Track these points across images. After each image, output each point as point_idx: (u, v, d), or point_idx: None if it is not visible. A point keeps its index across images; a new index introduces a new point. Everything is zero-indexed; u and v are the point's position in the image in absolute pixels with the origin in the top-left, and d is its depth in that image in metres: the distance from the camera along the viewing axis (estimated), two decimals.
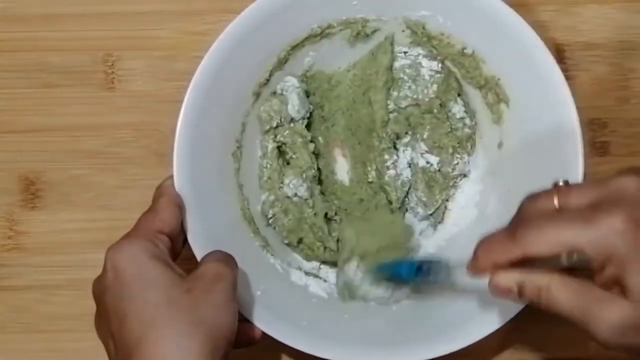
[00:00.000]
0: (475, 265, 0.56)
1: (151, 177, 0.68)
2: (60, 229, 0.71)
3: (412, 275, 0.63)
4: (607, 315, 0.52)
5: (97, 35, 0.71)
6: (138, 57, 0.71)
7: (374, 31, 0.68)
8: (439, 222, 0.71)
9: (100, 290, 0.59)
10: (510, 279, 0.55)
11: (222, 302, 0.58)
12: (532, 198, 0.55)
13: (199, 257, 0.63)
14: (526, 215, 0.55)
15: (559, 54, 0.70)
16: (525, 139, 0.67)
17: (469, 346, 0.64)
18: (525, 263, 0.54)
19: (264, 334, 0.64)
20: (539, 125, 0.66)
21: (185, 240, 0.64)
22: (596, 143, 0.71)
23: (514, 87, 0.67)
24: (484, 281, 0.65)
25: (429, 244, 0.70)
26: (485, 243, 0.55)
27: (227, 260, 0.61)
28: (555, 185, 0.55)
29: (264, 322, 0.64)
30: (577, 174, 0.64)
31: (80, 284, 0.69)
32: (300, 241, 0.68)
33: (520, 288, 0.55)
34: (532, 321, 0.70)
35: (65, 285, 0.71)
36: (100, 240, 0.68)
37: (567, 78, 0.65)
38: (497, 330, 0.64)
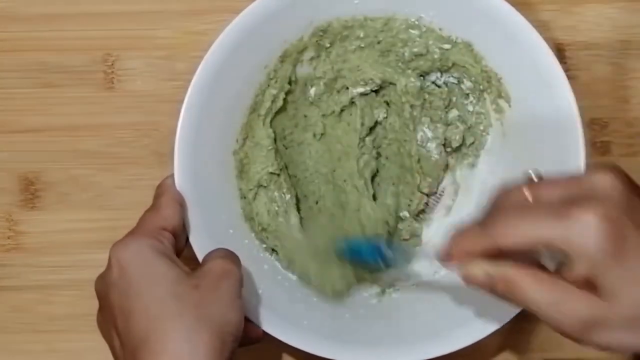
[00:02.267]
0: (446, 254, 0.55)
1: (151, 177, 0.68)
2: (60, 229, 0.71)
3: (371, 256, 0.63)
4: (577, 311, 0.51)
5: (97, 35, 0.71)
6: (138, 57, 0.71)
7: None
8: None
9: (104, 287, 0.59)
10: (478, 269, 0.54)
11: (229, 299, 0.58)
12: (505, 190, 0.55)
13: (199, 257, 0.63)
14: (499, 207, 0.54)
15: (560, 53, 0.70)
16: (527, 137, 0.67)
17: (469, 346, 0.64)
18: (502, 256, 0.53)
19: (264, 333, 0.64)
20: (540, 123, 0.66)
21: (187, 239, 0.64)
22: (597, 143, 0.71)
23: (515, 86, 0.67)
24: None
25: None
26: (458, 232, 0.55)
27: (232, 257, 0.61)
28: (529, 178, 0.55)
29: (265, 322, 0.64)
30: (578, 170, 0.64)
31: (80, 284, 0.69)
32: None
33: (489, 279, 0.54)
34: (532, 321, 0.70)
35: (65, 285, 0.71)
36: (100, 240, 0.68)
37: (568, 78, 0.65)
38: (497, 331, 0.64)
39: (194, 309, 0.56)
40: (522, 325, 0.70)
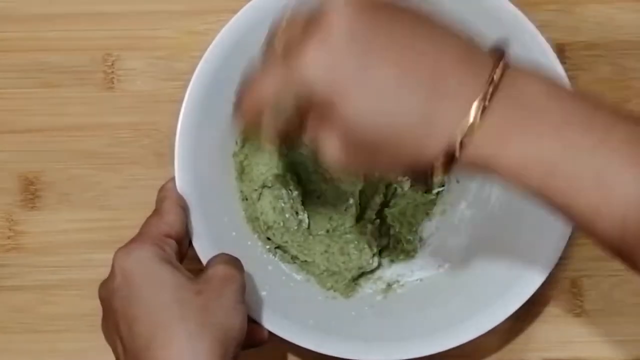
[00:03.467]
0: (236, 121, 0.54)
1: (151, 177, 0.68)
2: (60, 229, 0.71)
3: None
4: (328, 147, 0.50)
5: (97, 35, 0.71)
6: (138, 57, 0.71)
7: None
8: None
9: (107, 294, 0.59)
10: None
11: (232, 304, 0.58)
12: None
13: (203, 259, 0.63)
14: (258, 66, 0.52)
15: (560, 53, 0.70)
16: None
17: (469, 346, 0.64)
18: None
19: (270, 333, 0.64)
20: None
21: (191, 241, 0.64)
22: None
23: None
24: (484, 278, 0.66)
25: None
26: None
27: (235, 262, 0.61)
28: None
29: (270, 322, 0.64)
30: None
31: (80, 284, 0.69)
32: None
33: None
34: (531, 321, 0.70)
35: (65, 285, 0.70)
36: (100, 240, 0.69)
37: (568, 78, 0.65)
38: (497, 330, 0.64)
39: (196, 315, 0.56)
40: (522, 325, 0.70)
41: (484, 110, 0.47)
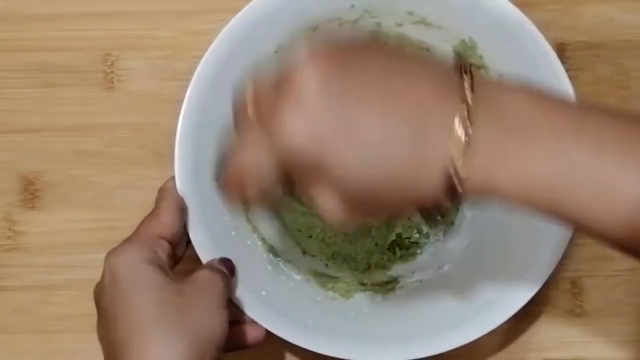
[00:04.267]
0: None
1: (151, 177, 0.68)
2: (60, 229, 0.71)
3: None
4: (327, 205, 0.48)
5: (97, 35, 0.71)
6: (138, 56, 0.71)
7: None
8: None
9: (98, 294, 0.59)
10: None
11: (212, 307, 0.58)
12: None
13: (202, 259, 0.63)
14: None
15: (560, 53, 0.70)
16: None
17: (470, 345, 0.64)
18: None
19: (269, 333, 0.64)
20: None
21: (189, 242, 0.64)
22: None
23: None
24: (484, 280, 0.66)
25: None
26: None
27: (222, 267, 0.62)
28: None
29: (270, 322, 0.64)
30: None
31: (80, 284, 0.69)
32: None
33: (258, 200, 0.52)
34: (531, 321, 0.70)
35: (65, 285, 0.70)
36: (100, 241, 0.68)
37: (569, 77, 0.65)
38: (497, 331, 0.64)
39: (175, 316, 0.56)
40: (522, 325, 0.70)
41: (466, 131, 0.46)
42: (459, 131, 0.46)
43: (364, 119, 0.46)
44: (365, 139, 0.46)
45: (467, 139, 0.46)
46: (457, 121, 0.46)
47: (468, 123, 0.46)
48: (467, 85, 0.47)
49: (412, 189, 0.47)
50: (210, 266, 0.62)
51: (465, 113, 0.46)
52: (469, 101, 0.46)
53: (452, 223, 0.70)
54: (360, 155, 0.46)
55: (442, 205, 0.48)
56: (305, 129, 0.46)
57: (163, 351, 0.55)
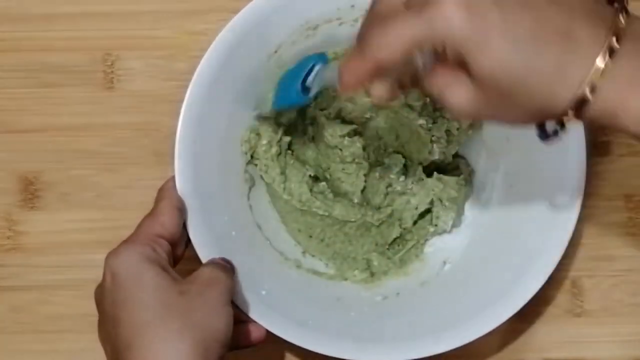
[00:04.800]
0: (342, 85, 0.53)
1: (151, 177, 0.68)
2: (60, 229, 0.71)
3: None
4: (457, 96, 0.51)
5: (97, 35, 0.71)
6: (137, 56, 0.71)
7: None
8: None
9: (100, 296, 0.59)
10: (379, 88, 0.54)
11: (215, 306, 0.58)
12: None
13: (202, 258, 0.63)
14: (373, 19, 0.52)
15: None
16: (526, 138, 0.67)
17: (469, 345, 0.64)
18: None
19: (269, 333, 0.64)
20: None
21: (188, 242, 0.64)
22: (597, 143, 0.71)
23: None
24: (485, 279, 0.66)
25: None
26: (346, 60, 0.53)
27: (223, 265, 0.62)
28: None
29: (269, 322, 0.64)
30: (581, 164, 0.65)
31: (80, 284, 0.69)
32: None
33: (394, 90, 0.54)
34: (531, 321, 0.70)
35: (65, 285, 0.70)
36: (100, 240, 0.68)
37: None
38: (497, 330, 0.64)
39: (178, 316, 0.56)
40: (522, 325, 0.70)
41: (612, 57, 0.48)
42: (605, 57, 0.48)
43: (522, 21, 0.48)
44: (517, 39, 0.48)
45: (610, 66, 0.48)
46: (604, 47, 0.48)
47: (615, 49, 0.48)
48: (621, 18, 0.49)
49: (544, 98, 0.49)
50: (212, 263, 0.62)
51: (615, 42, 0.49)
52: (620, 33, 0.49)
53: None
54: (508, 52, 0.48)
55: (566, 120, 0.50)
56: (467, 13, 0.48)
57: (169, 352, 0.55)
